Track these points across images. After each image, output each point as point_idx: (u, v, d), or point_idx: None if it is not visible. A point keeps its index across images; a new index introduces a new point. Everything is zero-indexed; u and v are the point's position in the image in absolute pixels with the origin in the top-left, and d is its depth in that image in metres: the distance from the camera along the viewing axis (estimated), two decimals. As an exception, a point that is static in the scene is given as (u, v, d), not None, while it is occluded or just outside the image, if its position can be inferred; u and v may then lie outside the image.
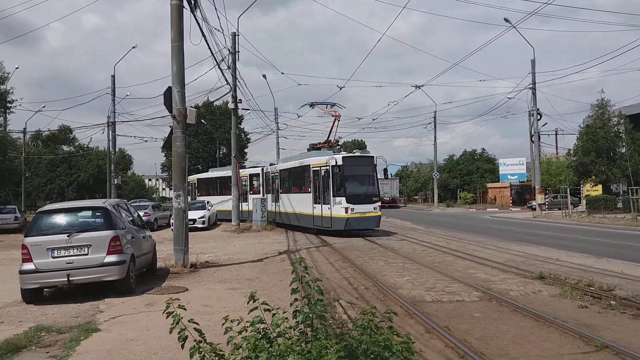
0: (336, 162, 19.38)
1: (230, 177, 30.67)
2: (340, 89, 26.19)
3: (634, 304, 7.66)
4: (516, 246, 16.19)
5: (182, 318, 3.40)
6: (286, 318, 3.45)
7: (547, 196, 45.44)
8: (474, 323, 7.04)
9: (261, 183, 28.03)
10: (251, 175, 29.65)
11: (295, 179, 23.71)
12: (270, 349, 3.23)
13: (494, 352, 5.72)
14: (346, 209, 19.03)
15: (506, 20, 28.72)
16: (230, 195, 29.35)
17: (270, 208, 26.28)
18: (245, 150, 61.33)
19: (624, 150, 31.54)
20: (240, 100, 25.64)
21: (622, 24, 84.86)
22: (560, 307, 7.79)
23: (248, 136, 60.91)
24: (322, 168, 20.20)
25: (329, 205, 19.62)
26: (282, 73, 68.22)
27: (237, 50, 24.89)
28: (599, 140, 31.75)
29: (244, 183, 29.85)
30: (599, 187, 36.86)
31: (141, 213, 18.15)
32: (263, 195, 27.23)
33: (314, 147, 24.13)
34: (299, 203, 22.53)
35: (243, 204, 28.65)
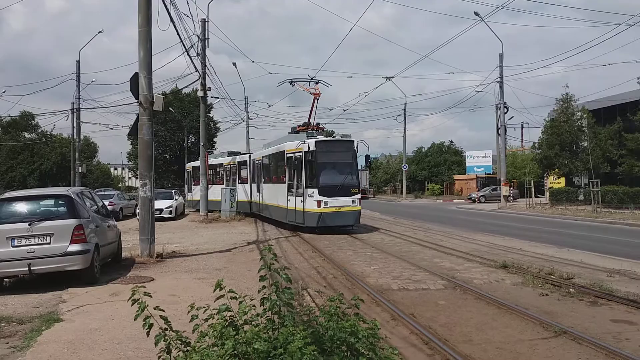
0: (309, 148, 17.11)
1: (222, 164, 29.42)
2: (312, 78, 25.64)
3: (592, 292, 7.94)
4: (481, 236, 16.54)
5: (147, 306, 3.36)
6: (253, 306, 3.44)
7: (485, 188, 47.64)
8: (439, 310, 7.19)
9: (249, 171, 25.87)
10: (239, 163, 27.40)
11: (273, 167, 21.52)
12: (236, 336, 3.22)
13: (458, 339, 5.85)
14: (318, 202, 16.87)
15: (476, 13, 29.20)
16: (222, 185, 28.42)
17: (255, 199, 24.41)
18: (215, 139, 60.65)
19: (586, 144, 32.45)
20: (210, 88, 25.29)
21: (587, 20, 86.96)
22: (522, 295, 8.01)
23: (217, 125, 60.15)
24: (295, 154, 17.90)
25: (302, 198, 17.41)
26: (253, 61, 67.46)
27: (206, 37, 24.53)
28: (562, 133, 32.56)
29: (232, 171, 28.34)
30: (562, 179, 37.92)
31: (106, 202, 17.78)
32: (250, 185, 25.39)
33: (294, 132, 21.50)
34: (276, 194, 20.45)
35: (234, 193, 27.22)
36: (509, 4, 34.68)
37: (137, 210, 12.73)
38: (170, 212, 25.48)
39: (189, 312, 3.43)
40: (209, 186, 28.45)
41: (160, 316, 3.33)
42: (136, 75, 11.90)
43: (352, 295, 5.28)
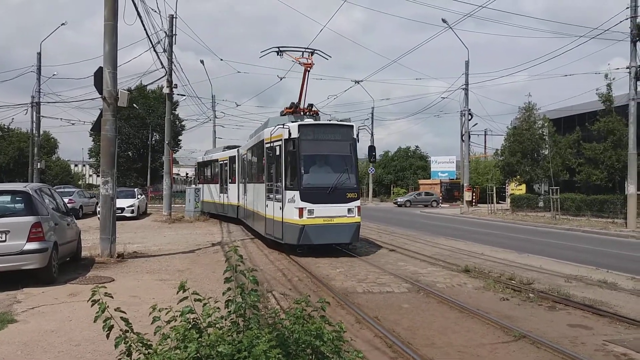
0: (289, 134, 12.62)
1: (217, 160, 25.59)
2: (281, 79, 25.13)
3: (550, 297, 8.15)
4: (444, 240, 16.80)
5: (107, 307, 3.26)
6: (218, 308, 3.38)
7: (410, 193, 50.14)
8: (403, 314, 7.25)
9: (237, 168, 21.35)
10: (230, 159, 22.76)
11: (255, 163, 17.05)
12: (200, 339, 3.15)
13: (421, 342, 5.90)
14: (300, 210, 12.38)
15: (444, 20, 29.63)
16: (218, 184, 25.44)
17: (242, 202, 19.80)
18: (180, 137, 59.77)
19: (546, 152, 33.35)
20: (176, 85, 24.93)
21: (550, 31, 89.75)
22: (483, 299, 8.16)
23: (183, 123, 59.27)
24: (273, 144, 13.67)
25: (280, 204, 13.06)
26: (221, 59, 66.21)
27: (174, 33, 24.23)
28: (524, 141, 33.37)
29: (224, 168, 24.07)
30: (523, 186, 38.89)
31: (66, 200, 17.19)
32: (238, 184, 20.93)
33: (281, 115, 15.94)
34: (256, 198, 16.18)
35: (223, 195, 23.81)
36: (475, 12, 35.40)
37: (98, 209, 12.44)
38: (132, 211, 25.02)
39: (150, 313, 3.34)
40: (205, 185, 27.04)
41: (121, 317, 3.24)
42: (100, 69, 11.63)
43: (318, 298, 5.27)
